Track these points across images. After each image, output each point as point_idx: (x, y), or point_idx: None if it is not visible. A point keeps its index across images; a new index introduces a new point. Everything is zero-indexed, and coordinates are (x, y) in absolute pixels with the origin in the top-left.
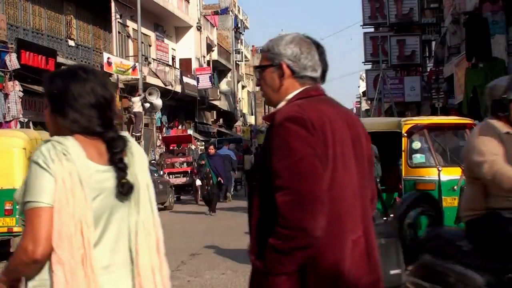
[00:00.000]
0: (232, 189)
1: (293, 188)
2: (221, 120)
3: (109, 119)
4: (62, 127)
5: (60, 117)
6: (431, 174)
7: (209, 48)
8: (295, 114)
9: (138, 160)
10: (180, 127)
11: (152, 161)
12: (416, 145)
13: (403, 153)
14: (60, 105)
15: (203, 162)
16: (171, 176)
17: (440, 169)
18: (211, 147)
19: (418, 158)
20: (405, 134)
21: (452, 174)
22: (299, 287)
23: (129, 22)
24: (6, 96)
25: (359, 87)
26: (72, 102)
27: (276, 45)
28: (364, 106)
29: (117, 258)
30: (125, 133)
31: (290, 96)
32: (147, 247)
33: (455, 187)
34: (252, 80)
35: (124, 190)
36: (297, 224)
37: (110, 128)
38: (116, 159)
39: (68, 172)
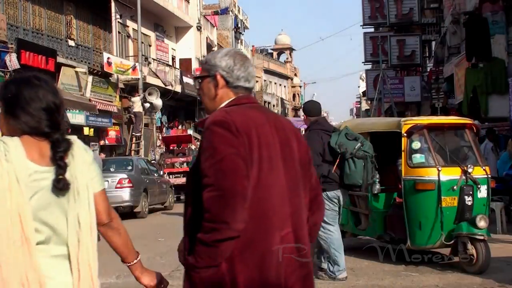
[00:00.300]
0: None
1: (216, 184)
2: None
3: (57, 122)
4: (14, 128)
5: (12, 119)
6: (430, 174)
7: (209, 48)
8: (220, 118)
9: (78, 162)
10: (180, 127)
11: (152, 161)
12: (416, 145)
13: (402, 153)
14: (13, 108)
15: None
16: (171, 176)
17: (439, 169)
18: None
19: (418, 158)
20: (405, 134)
21: (451, 174)
22: (228, 280)
23: (129, 22)
24: None
25: (359, 87)
26: (24, 105)
27: (212, 58)
28: (364, 106)
29: (62, 251)
30: (72, 137)
31: (223, 104)
32: (85, 243)
33: (455, 187)
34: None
35: (60, 185)
36: (219, 217)
37: (57, 130)
38: (57, 157)
39: (6, 171)
